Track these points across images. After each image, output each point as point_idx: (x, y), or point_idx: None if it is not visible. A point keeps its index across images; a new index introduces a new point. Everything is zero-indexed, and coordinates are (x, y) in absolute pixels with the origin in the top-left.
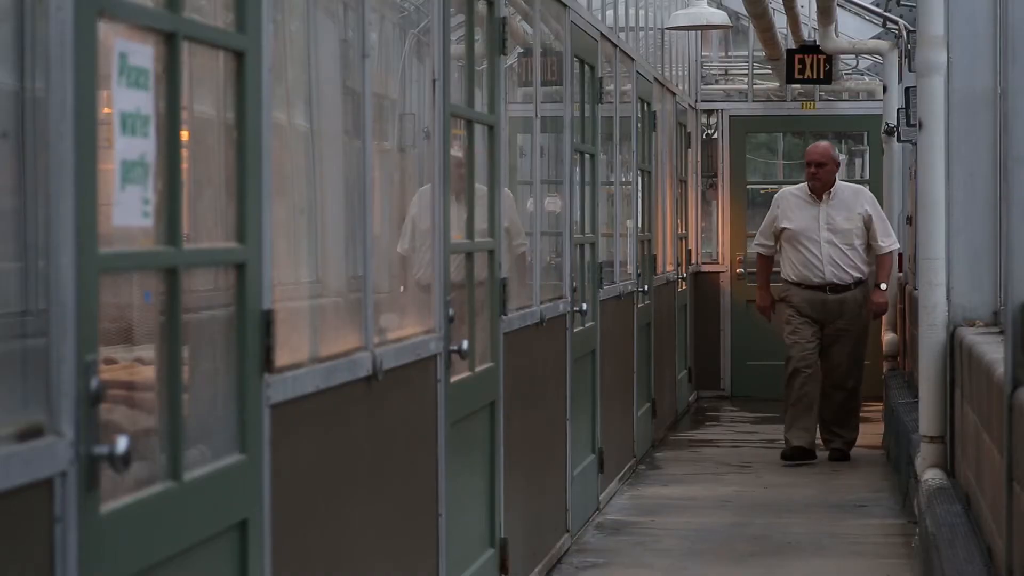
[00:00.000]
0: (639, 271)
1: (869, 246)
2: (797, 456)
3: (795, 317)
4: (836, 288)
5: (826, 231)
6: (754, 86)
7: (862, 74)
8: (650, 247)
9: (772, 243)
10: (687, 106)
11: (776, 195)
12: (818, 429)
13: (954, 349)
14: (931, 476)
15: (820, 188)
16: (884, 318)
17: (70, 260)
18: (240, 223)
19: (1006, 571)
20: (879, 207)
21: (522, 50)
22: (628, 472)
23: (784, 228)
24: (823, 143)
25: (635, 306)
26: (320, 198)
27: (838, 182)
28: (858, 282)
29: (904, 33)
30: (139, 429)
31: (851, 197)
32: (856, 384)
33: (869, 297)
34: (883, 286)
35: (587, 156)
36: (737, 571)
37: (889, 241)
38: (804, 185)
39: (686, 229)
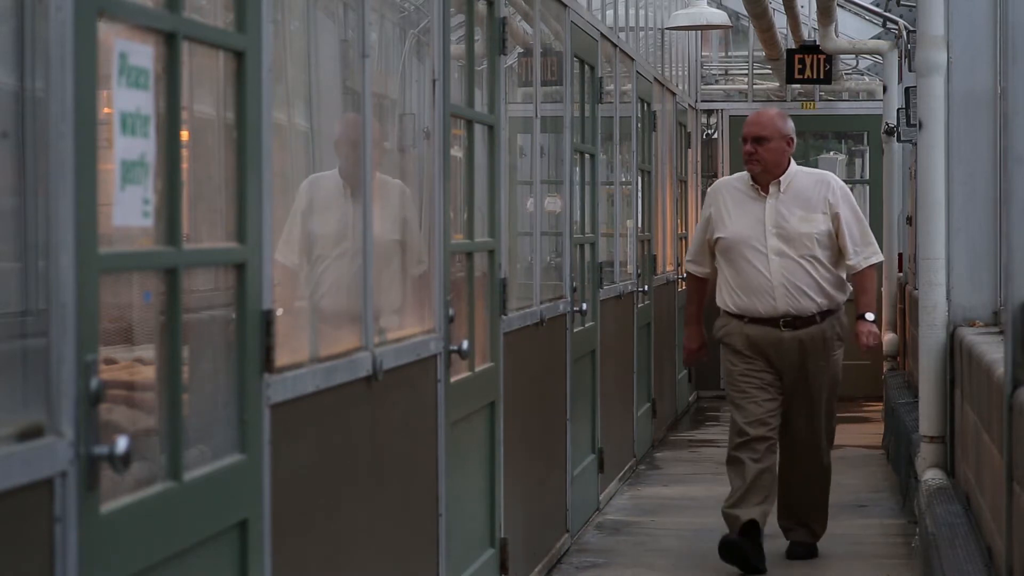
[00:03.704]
0: (639, 271)
1: (842, 257)
2: (747, 532)
3: (739, 365)
4: (794, 322)
5: (775, 238)
6: (754, 86)
7: (862, 74)
8: (650, 247)
9: (704, 258)
10: (687, 106)
11: (710, 188)
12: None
13: (954, 349)
14: (931, 476)
15: (763, 175)
16: (884, 319)
17: (70, 260)
18: (240, 223)
19: (1006, 571)
20: (854, 202)
21: (522, 50)
22: (628, 472)
23: (718, 237)
24: (769, 110)
25: (635, 306)
26: None
27: (794, 166)
28: (827, 312)
29: (904, 33)
30: (139, 429)
31: (811, 187)
32: (828, 455)
33: (844, 331)
34: (869, 316)
35: (587, 156)
36: (737, 571)
37: (868, 251)
38: (748, 173)
39: (686, 229)
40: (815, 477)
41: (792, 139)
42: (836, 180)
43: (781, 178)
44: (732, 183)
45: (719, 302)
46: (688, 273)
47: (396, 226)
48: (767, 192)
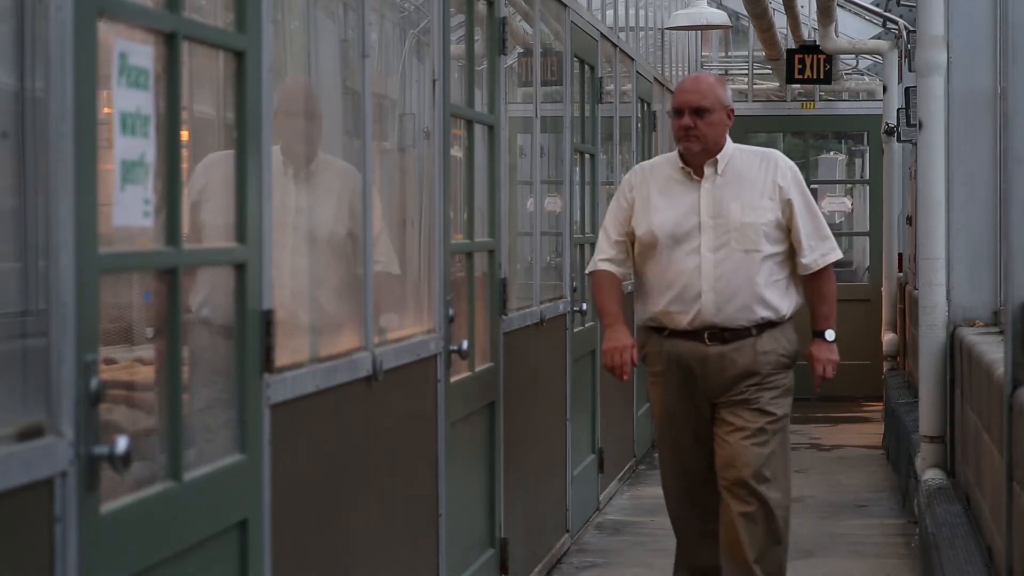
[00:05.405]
0: None
1: (792, 256)
2: None
3: (663, 394)
4: (721, 335)
5: (711, 231)
6: (754, 86)
7: (862, 74)
8: None
9: (622, 257)
10: None
11: (628, 173)
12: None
13: (954, 349)
14: (931, 476)
15: (700, 155)
16: (884, 319)
17: (70, 260)
18: (240, 223)
19: (1006, 571)
20: (806, 187)
21: (522, 50)
22: (628, 472)
23: (640, 232)
24: (707, 75)
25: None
26: None
27: (731, 144)
28: (765, 325)
29: (904, 33)
30: (139, 429)
31: (755, 169)
32: (781, 495)
33: (791, 350)
34: (829, 335)
35: (587, 156)
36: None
37: (824, 247)
38: (676, 154)
39: None
40: (763, 515)
41: (732, 111)
42: (785, 160)
43: (718, 157)
44: (657, 166)
45: (636, 315)
46: (599, 271)
47: (345, 216)
48: (701, 175)
